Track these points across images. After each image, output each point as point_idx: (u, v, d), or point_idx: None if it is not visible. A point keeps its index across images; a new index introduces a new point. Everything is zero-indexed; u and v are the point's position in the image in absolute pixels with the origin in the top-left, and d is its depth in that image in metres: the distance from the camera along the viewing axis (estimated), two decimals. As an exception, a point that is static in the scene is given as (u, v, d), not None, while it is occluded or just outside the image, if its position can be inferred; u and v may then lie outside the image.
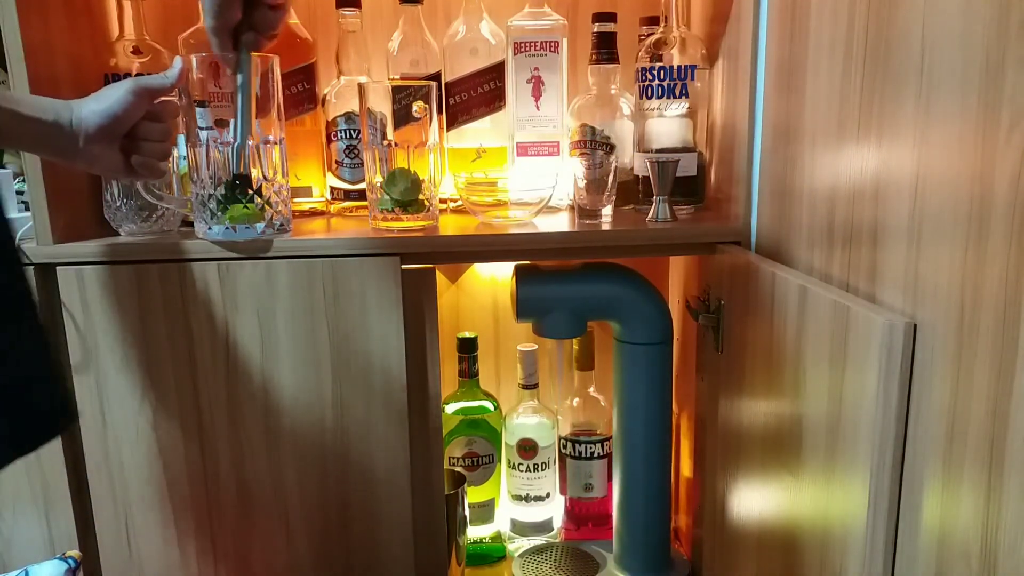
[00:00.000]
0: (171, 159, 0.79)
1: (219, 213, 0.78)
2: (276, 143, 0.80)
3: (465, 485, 0.99)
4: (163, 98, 0.73)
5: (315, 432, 0.84)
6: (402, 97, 0.83)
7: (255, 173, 0.78)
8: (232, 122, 0.75)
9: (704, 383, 0.92)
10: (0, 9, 0.74)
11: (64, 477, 0.84)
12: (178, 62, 0.73)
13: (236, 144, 0.75)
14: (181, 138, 0.80)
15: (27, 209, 0.81)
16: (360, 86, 0.85)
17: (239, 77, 0.72)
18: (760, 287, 0.71)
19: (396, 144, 0.84)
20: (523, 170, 0.98)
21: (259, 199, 0.79)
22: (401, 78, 0.98)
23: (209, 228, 0.79)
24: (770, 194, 0.77)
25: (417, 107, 0.83)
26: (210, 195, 0.78)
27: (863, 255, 0.57)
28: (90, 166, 0.71)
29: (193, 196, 0.79)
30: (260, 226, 0.79)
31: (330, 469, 0.85)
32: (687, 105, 0.92)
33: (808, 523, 0.61)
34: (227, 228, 0.78)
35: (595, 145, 0.97)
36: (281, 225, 0.82)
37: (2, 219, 0.52)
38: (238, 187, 0.77)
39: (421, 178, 0.84)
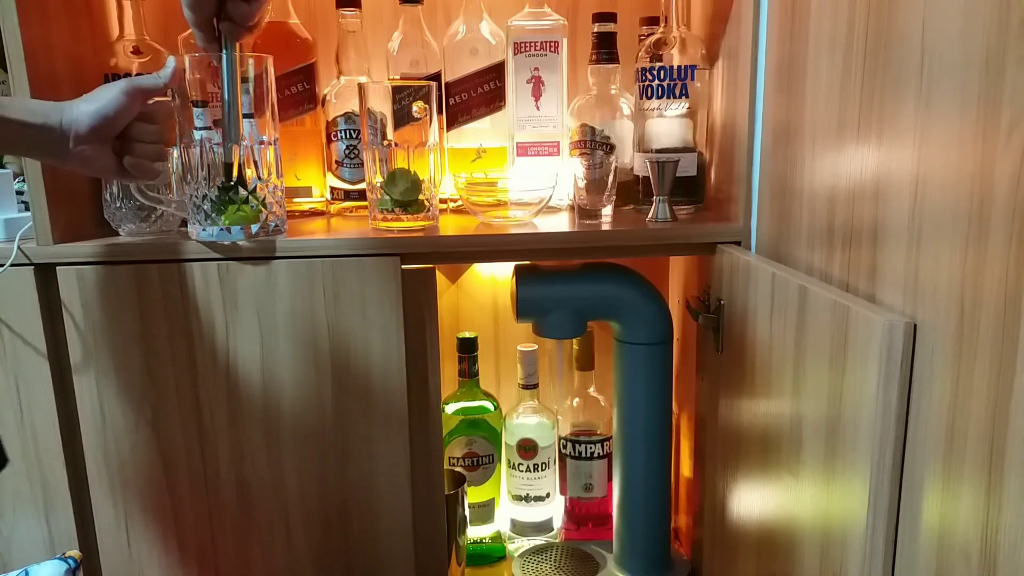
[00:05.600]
0: (171, 159, 0.79)
1: (213, 215, 0.78)
2: (270, 144, 0.80)
3: (465, 485, 0.99)
4: (156, 99, 0.72)
5: (315, 432, 0.84)
6: (402, 97, 0.83)
7: (249, 173, 0.78)
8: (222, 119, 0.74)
9: (704, 383, 0.92)
10: (0, 9, 0.74)
11: (64, 477, 0.84)
12: (171, 62, 0.72)
13: (227, 142, 0.74)
14: None
15: (27, 209, 0.81)
16: (360, 86, 0.85)
17: (223, 70, 0.71)
18: (760, 287, 0.71)
19: (396, 144, 0.83)
20: (523, 170, 0.98)
21: (254, 200, 0.78)
22: (401, 78, 0.98)
23: (203, 229, 0.79)
24: (770, 194, 0.77)
25: (417, 107, 0.83)
26: (204, 196, 0.78)
27: (863, 255, 0.57)
28: (82, 167, 0.70)
29: (187, 197, 0.79)
30: (255, 227, 0.79)
31: (330, 469, 0.85)
32: (687, 105, 0.92)
33: (808, 523, 0.61)
34: (221, 230, 0.78)
35: (595, 145, 0.97)
36: (275, 226, 0.81)
37: None
38: (232, 188, 0.77)
39: (421, 178, 0.84)
